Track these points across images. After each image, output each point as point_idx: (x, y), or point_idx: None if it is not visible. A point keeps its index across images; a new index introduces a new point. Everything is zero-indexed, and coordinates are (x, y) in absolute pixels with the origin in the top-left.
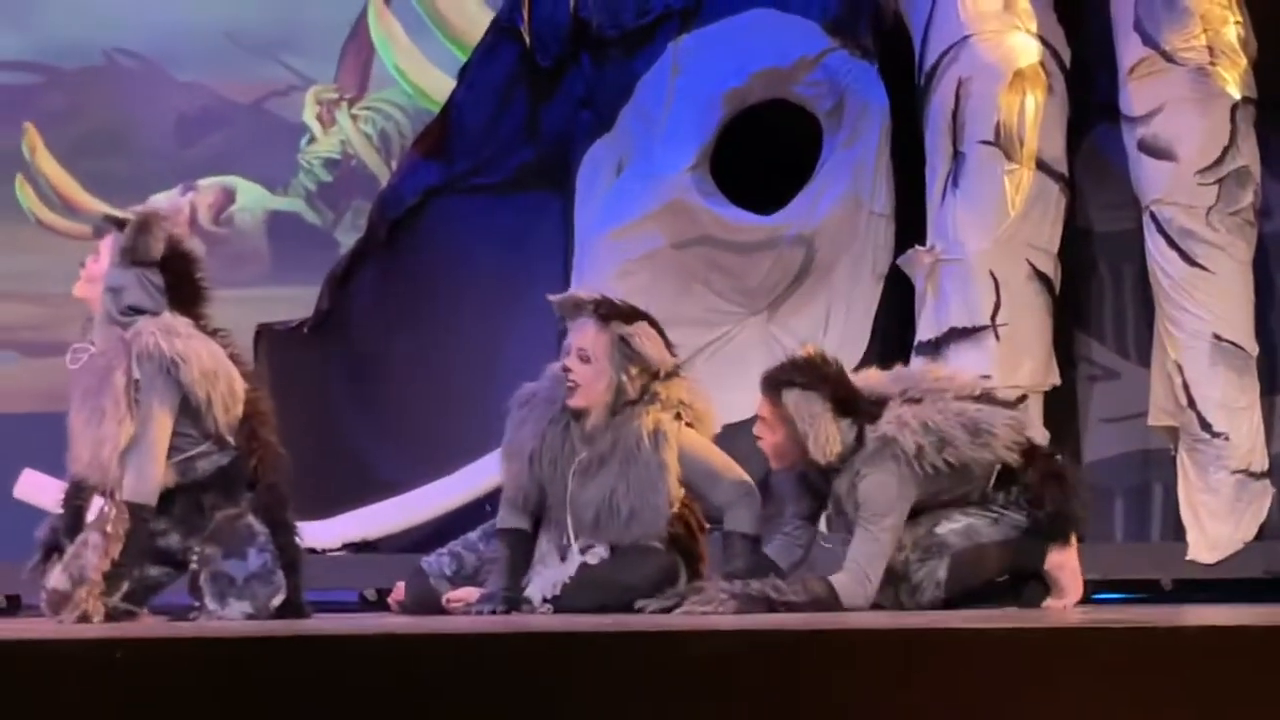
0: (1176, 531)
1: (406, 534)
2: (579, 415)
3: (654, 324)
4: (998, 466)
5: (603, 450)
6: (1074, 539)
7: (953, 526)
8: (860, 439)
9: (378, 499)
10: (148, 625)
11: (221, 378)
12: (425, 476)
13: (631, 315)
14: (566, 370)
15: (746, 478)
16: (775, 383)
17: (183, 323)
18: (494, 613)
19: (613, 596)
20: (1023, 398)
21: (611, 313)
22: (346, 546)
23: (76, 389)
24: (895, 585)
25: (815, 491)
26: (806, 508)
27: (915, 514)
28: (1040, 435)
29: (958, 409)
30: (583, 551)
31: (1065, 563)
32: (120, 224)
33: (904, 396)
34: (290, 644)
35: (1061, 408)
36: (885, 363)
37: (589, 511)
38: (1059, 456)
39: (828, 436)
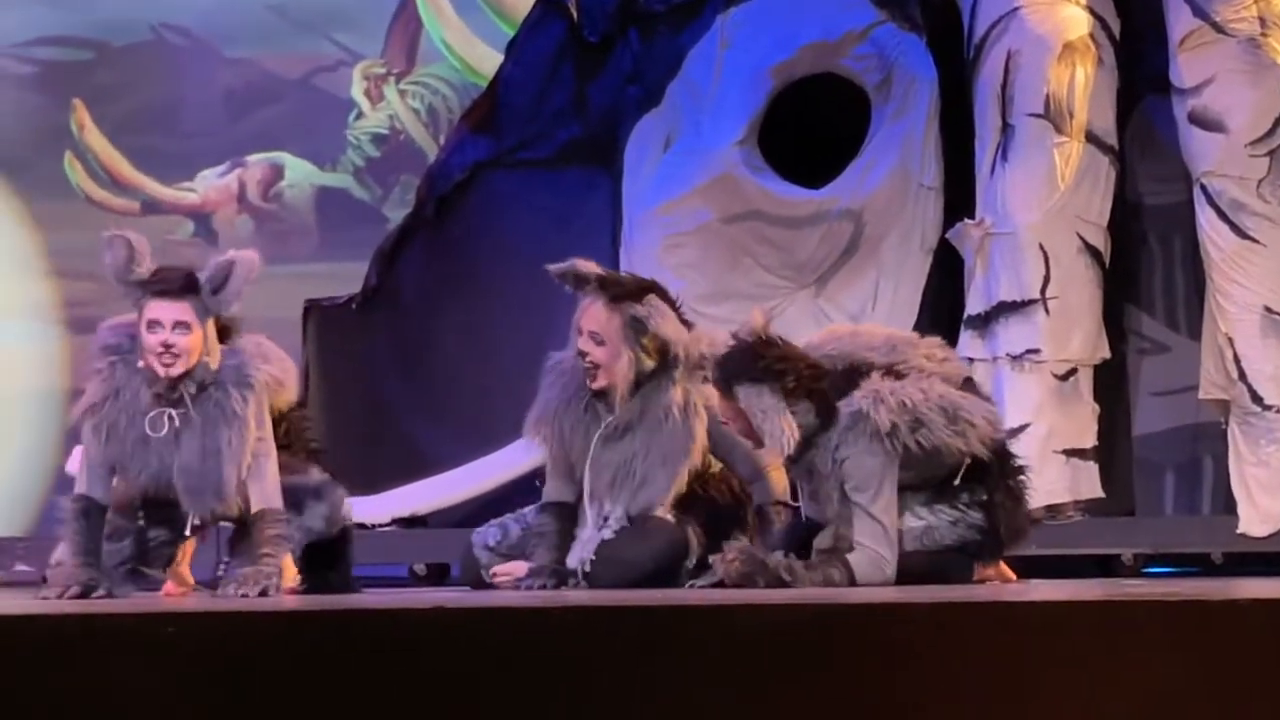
0: (1227, 505)
1: (455, 509)
2: (602, 393)
3: (661, 292)
4: (968, 460)
5: (629, 417)
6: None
7: (911, 525)
8: (830, 414)
9: (426, 474)
10: (198, 600)
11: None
12: (474, 452)
13: (639, 291)
14: (582, 354)
15: (770, 455)
16: (724, 378)
17: (258, 339)
18: (542, 588)
19: (622, 572)
20: (1072, 371)
21: (620, 292)
22: (396, 522)
23: (180, 444)
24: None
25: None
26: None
27: None
28: (1091, 410)
29: (940, 391)
30: (604, 519)
31: (992, 577)
32: (194, 283)
33: (887, 369)
34: (341, 618)
35: (1111, 381)
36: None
37: (606, 473)
38: (1023, 475)
39: (783, 429)
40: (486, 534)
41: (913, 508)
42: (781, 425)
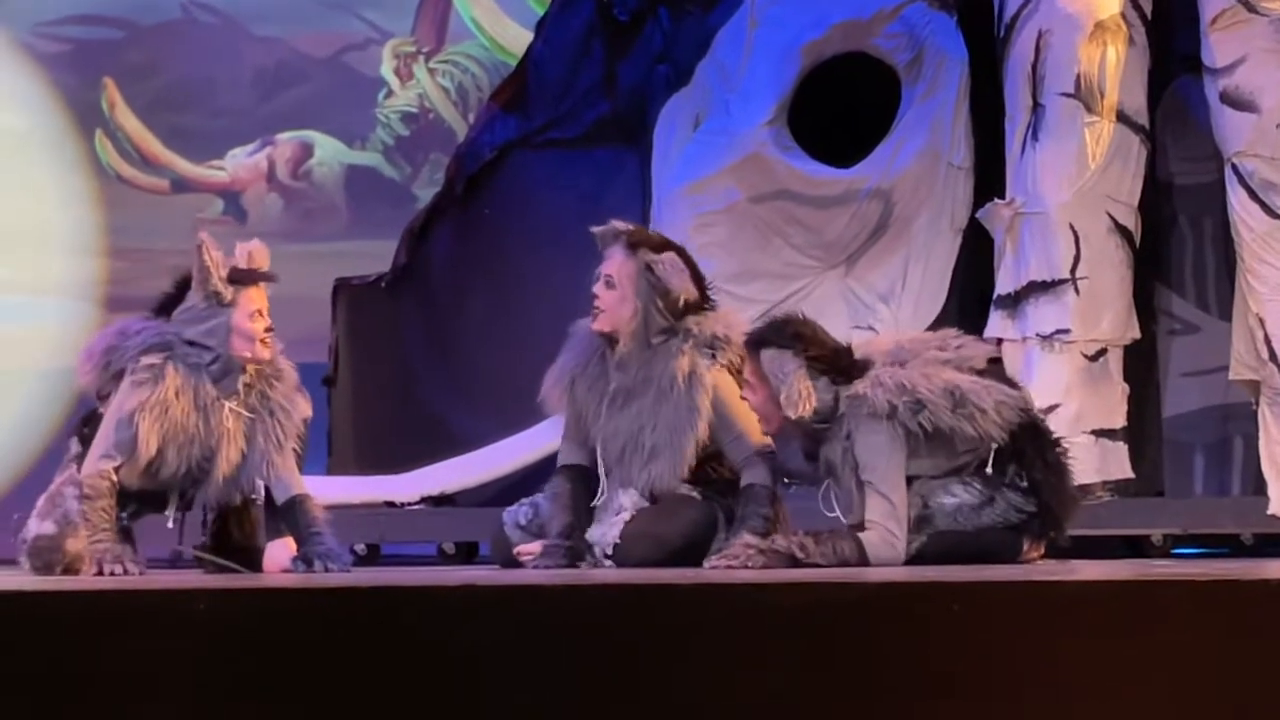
0: (1257, 486)
1: (484, 488)
2: (612, 343)
3: (686, 258)
4: (994, 444)
5: (633, 382)
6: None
7: (944, 502)
8: (839, 400)
9: (455, 453)
10: (230, 578)
11: None
12: (502, 431)
13: (661, 245)
14: (593, 298)
15: (767, 440)
16: (754, 343)
17: None
18: (556, 567)
19: (651, 548)
20: (1102, 351)
21: (641, 241)
22: (424, 500)
23: (232, 437)
24: None
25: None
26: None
27: (908, 481)
28: (1121, 390)
29: (947, 377)
30: (620, 508)
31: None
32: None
33: (891, 360)
34: (371, 596)
35: (1142, 362)
36: (964, 317)
37: (616, 442)
38: (1060, 447)
39: (799, 392)
40: (518, 513)
41: (947, 486)
42: (799, 389)
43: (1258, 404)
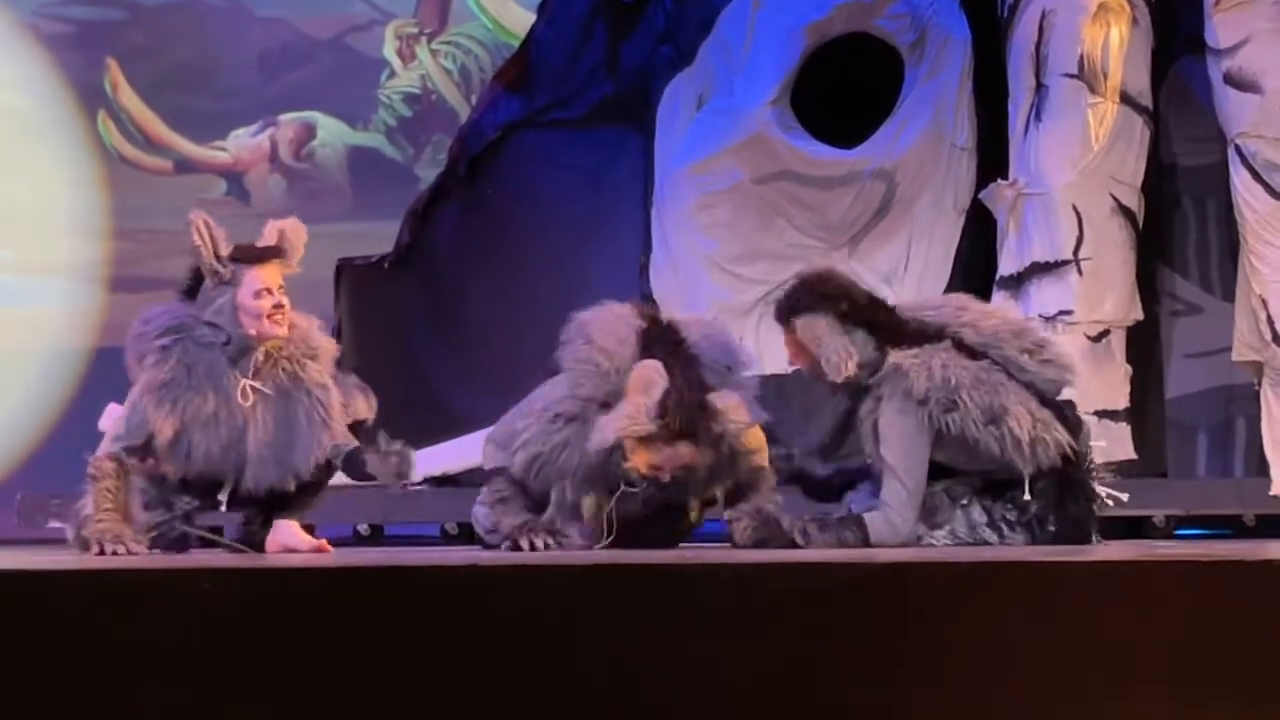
0: (1260, 467)
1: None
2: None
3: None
4: (1024, 474)
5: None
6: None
7: (968, 515)
8: (884, 355)
9: (457, 433)
10: (234, 557)
11: None
12: (505, 410)
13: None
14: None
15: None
16: (783, 312)
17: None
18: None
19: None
20: (1105, 332)
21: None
22: (427, 480)
23: (258, 416)
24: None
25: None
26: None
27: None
28: (1123, 371)
29: (1004, 392)
30: None
31: None
32: (282, 249)
33: (978, 339)
34: (373, 575)
35: (1144, 343)
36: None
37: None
38: (1092, 466)
39: (837, 354)
40: (479, 513)
41: (955, 510)
42: (836, 350)
43: (1260, 385)
